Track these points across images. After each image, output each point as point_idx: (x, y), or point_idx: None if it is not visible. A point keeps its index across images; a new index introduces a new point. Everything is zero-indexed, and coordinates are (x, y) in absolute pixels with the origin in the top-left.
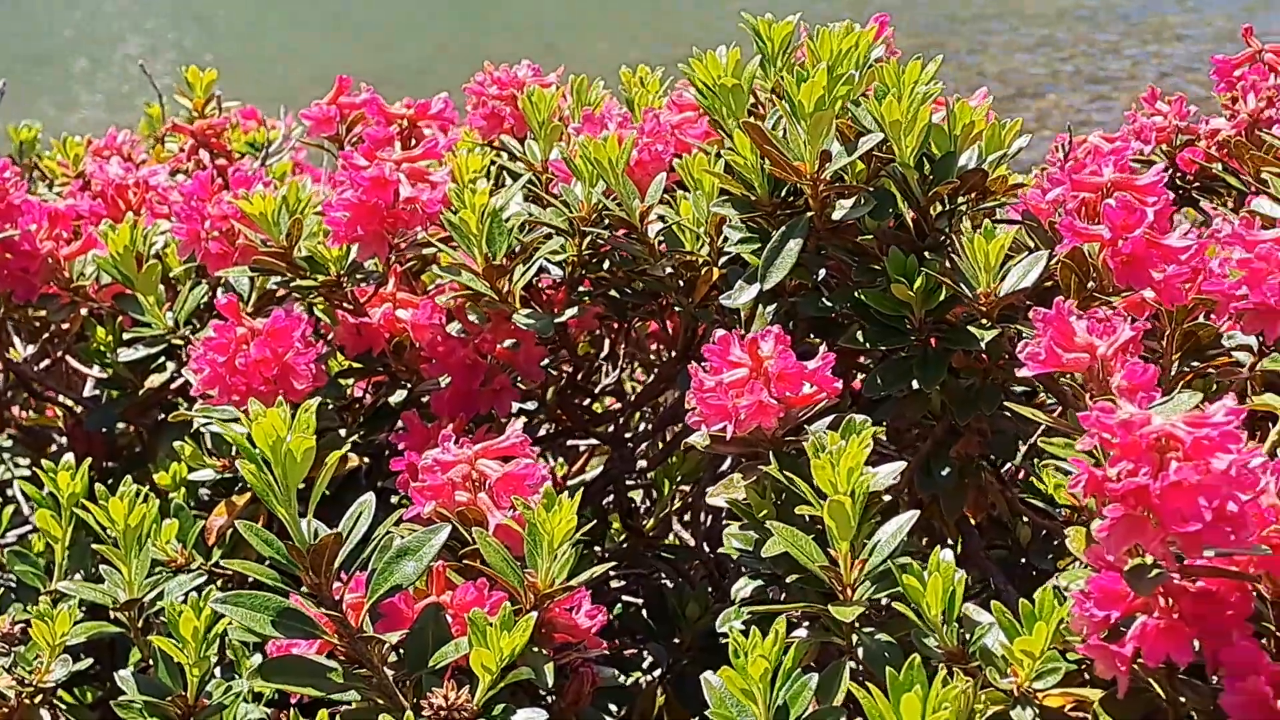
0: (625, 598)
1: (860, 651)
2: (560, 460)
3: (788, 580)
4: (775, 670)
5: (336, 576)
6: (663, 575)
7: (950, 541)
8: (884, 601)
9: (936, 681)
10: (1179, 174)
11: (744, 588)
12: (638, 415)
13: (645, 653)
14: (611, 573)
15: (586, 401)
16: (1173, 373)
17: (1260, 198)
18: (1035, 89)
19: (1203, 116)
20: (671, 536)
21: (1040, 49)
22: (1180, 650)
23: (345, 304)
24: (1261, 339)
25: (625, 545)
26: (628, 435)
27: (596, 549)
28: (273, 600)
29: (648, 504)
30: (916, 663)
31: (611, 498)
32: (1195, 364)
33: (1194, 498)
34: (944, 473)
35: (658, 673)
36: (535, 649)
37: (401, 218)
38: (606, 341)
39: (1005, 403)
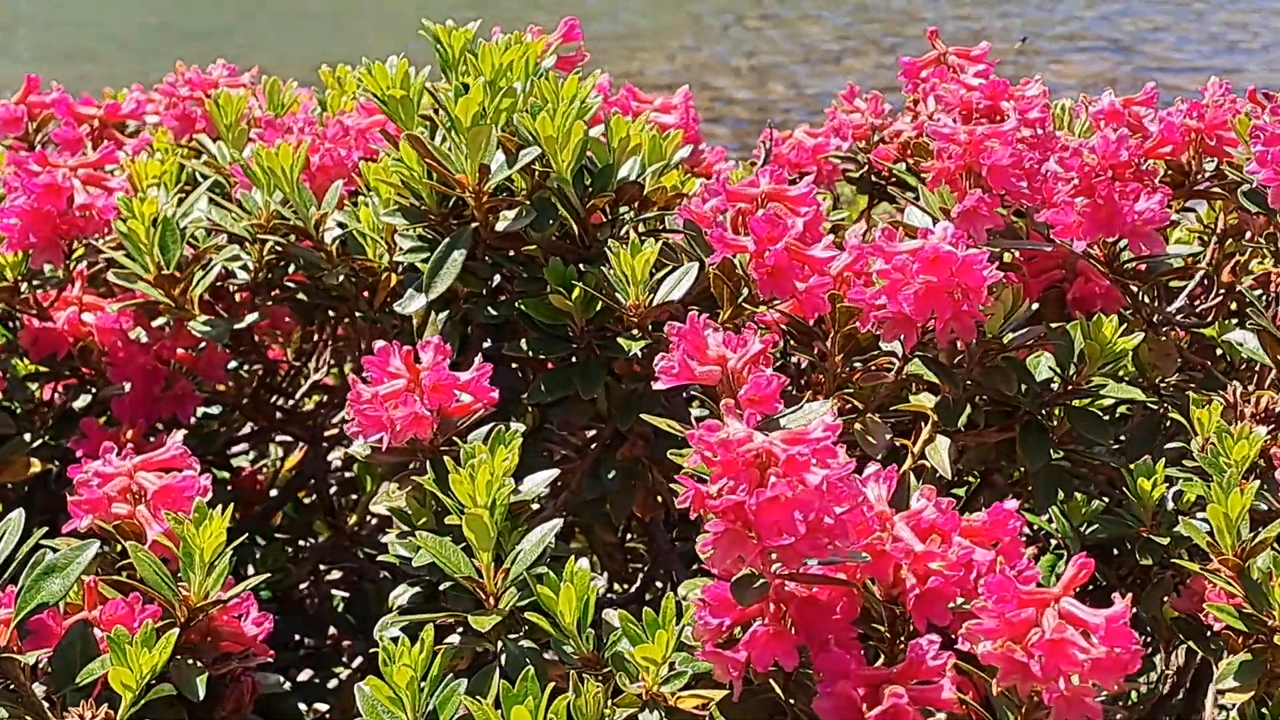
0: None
1: (504, 658)
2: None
3: (440, 588)
4: (424, 677)
5: None
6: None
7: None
8: None
9: (547, 690)
10: (873, 172)
11: (402, 595)
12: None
13: None
14: (324, 567)
15: (290, 402)
16: (838, 372)
17: (911, 208)
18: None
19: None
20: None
21: None
22: (786, 655)
23: (28, 308)
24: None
25: (330, 541)
26: (327, 434)
27: (302, 542)
28: None
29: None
30: (531, 675)
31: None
32: (857, 363)
33: (789, 512)
34: (610, 475)
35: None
36: (189, 661)
37: (76, 224)
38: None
39: (641, 414)
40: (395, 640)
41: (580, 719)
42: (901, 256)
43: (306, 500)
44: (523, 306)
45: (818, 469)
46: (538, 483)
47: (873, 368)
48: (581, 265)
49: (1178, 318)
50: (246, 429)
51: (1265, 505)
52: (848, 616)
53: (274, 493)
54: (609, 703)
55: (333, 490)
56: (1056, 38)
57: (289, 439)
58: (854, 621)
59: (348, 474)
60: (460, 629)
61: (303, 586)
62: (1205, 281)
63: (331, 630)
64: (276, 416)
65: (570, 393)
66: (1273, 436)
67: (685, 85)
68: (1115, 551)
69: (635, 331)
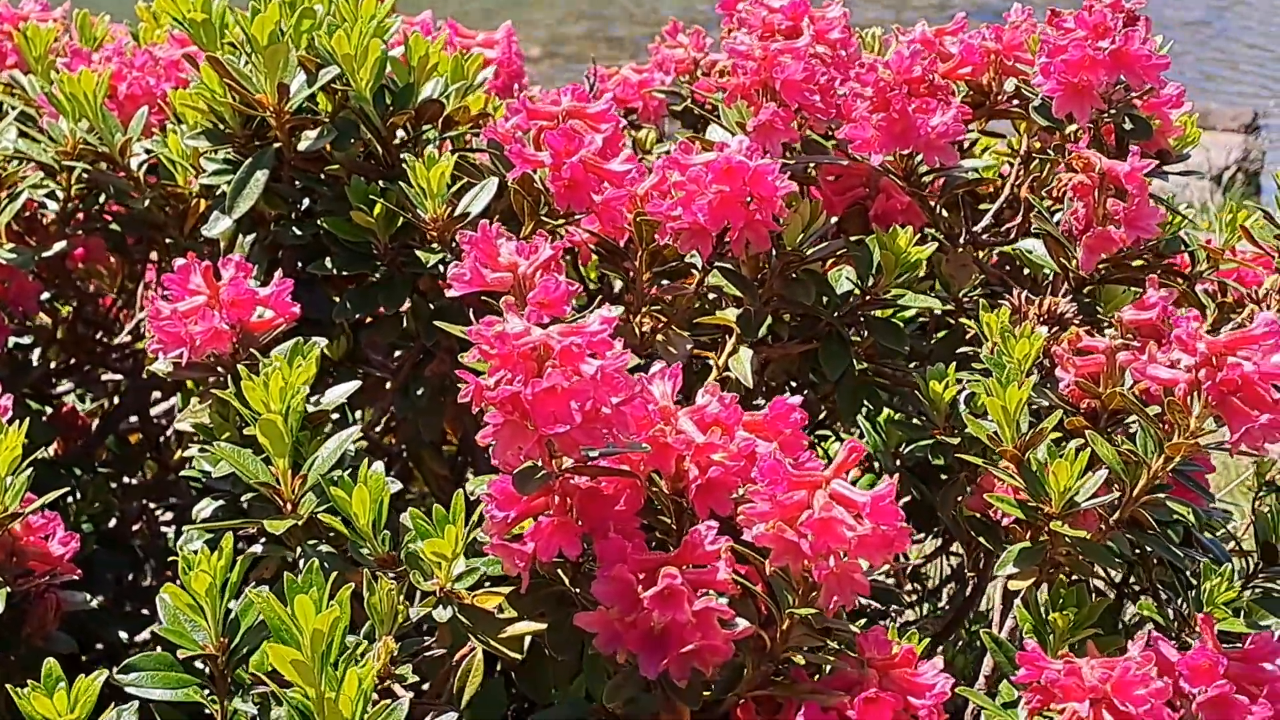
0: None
1: (302, 563)
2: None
3: (243, 501)
4: (224, 585)
5: None
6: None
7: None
8: None
9: (328, 586)
10: (696, 105)
11: (205, 508)
12: None
13: None
14: (155, 506)
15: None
16: (646, 290)
17: (713, 125)
18: None
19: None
20: None
21: None
22: (570, 545)
23: None
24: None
25: (156, 478)
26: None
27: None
28: None
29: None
30: (316, 567)
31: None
32: (666, 281)
33: (565, 402)
34: (419, 393)
35: None
36: None
37: None
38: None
39: (435, 322)
40: (196, 552)
41: (375, 615)
42: (696, 168)
43: (133, 439)
44: (327, 225)
45: (593, 360)
46: (338, 394)
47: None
48: (385, 184)
49: (983, 236)
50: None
51: (1048, 403)
52: (631, 508)
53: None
54: (403, 598)
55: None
56: None
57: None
58: (641, 514)
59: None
60: (263, 539)
61: (136, 527)
62: (1012, 202)
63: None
64: (97, 351)
65: (376, 310)
66: (1054, 336)
67: (508, 22)
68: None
69: (435, 245)
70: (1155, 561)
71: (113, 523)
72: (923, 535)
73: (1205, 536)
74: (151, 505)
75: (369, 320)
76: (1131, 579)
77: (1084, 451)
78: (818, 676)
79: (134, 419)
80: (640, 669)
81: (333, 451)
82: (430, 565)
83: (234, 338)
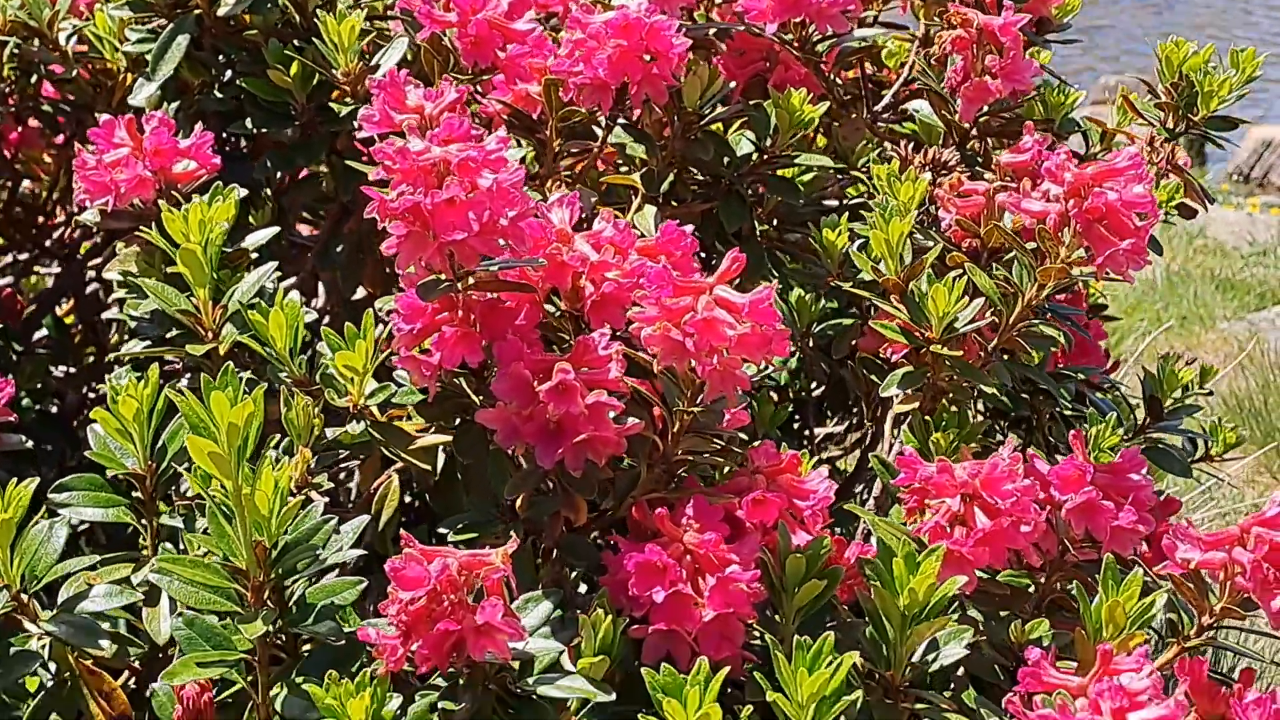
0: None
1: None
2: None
3: (168, 337)
4: (151, 412)
5: None
6: None
7: None
8: None
9: (244, 378)
10: None
11: (132, 346)
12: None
13: None
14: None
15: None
16: (557, 157)
17: None
18: None
19: None
20: None
21: None
22: (472, 353)
23: None
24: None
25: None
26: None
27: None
28: None
29: None
30: (231, 369)
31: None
32: (575, 151)
33: (464, 212)
34: (339, 249)
35: None
36: None
37: None
38: None
39: (349, 170)
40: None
41: (292, 430)
42: (596, 25)
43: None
44: (246, 85)
45: (489, 174)
46: (259, 238)
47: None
48: (301, 45)
49: (882, 115)
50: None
51: (932, 244)
52: (531, 321)
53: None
54: (319, 413)
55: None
56: None
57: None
58: (540, 329)
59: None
60: (187, 375)
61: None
62: (909, 83)
63: None
64: (33, 233)
65: (296, 169)
66: (936, 181)
67: None
68: None
69: (349, 99)
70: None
71: (54, 408)
72: (835, 417)
73: (1097, 396)
74: (90, 395)
75: (289, 182)
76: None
77: (961, 280)
78: (711, 485)
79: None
80: (538, 460)
81: (252, 284)
82: (344, 382)
83: (157, 185)
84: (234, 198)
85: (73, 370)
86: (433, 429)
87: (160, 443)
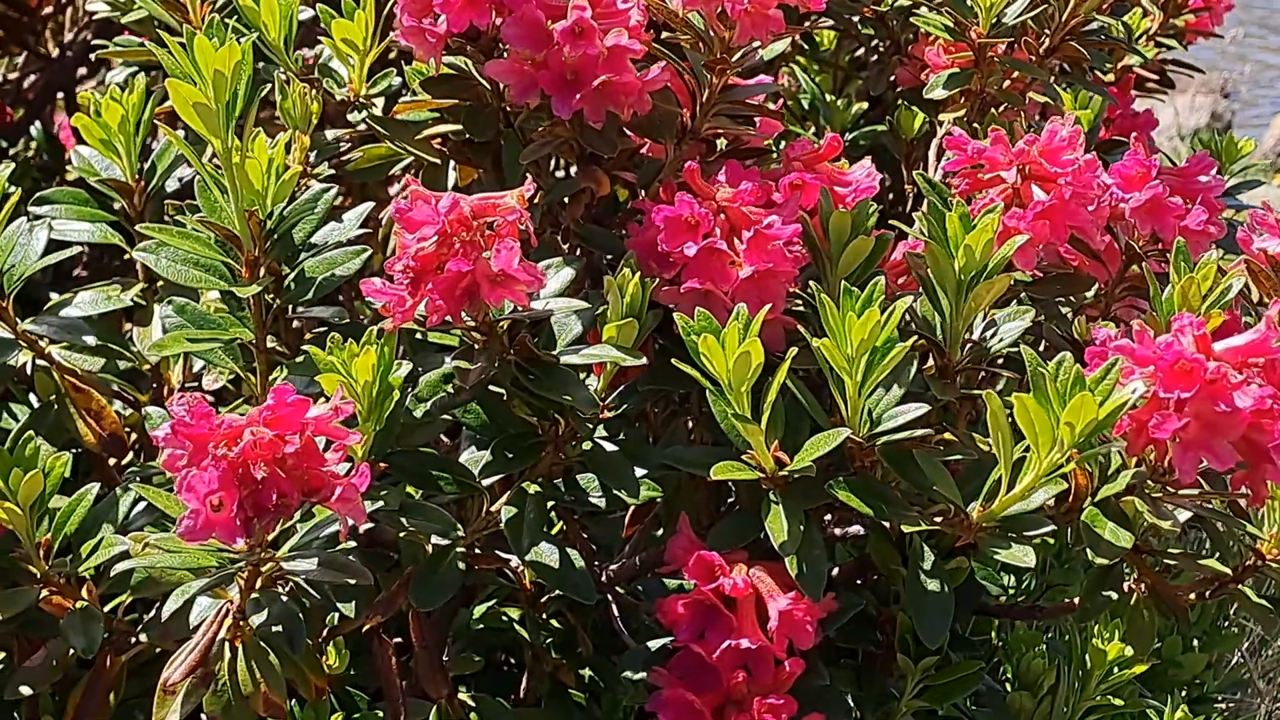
0: None
1: None
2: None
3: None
4: (139, 124)
5: None
6: None
7: None
8: None
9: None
10: None
11: (118, 73)
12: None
13: None
14: None
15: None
16: None
17: None
18: None
19: None
20: None
21: None
22: (480, 13)
23: None
24: None
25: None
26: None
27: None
28: None
29: None
30: (219, 28)
31: None
32: None
33: None
34: None
35: None
36: None
37: None
38: None
39: None
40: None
41: (289, 120)
42: None
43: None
44: None
45: None
46: None
47: None
48: None
49: None
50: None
51: None
52: None
53: None
54: (317, 97)
55: None
56: None
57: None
58: None
59: None
60: None
61: None
62: None
63: None
64: (23, 22)
65: None
66: None
67: None
68: None
69: None
70: None
71: None
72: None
73: None
74: None
75: None
76: None
77: None
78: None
79: None
80: (554, 109)
81: None
82: (343, 60)
83: None
84: None
85: None
86: (442, 118)
87: (150, 162)
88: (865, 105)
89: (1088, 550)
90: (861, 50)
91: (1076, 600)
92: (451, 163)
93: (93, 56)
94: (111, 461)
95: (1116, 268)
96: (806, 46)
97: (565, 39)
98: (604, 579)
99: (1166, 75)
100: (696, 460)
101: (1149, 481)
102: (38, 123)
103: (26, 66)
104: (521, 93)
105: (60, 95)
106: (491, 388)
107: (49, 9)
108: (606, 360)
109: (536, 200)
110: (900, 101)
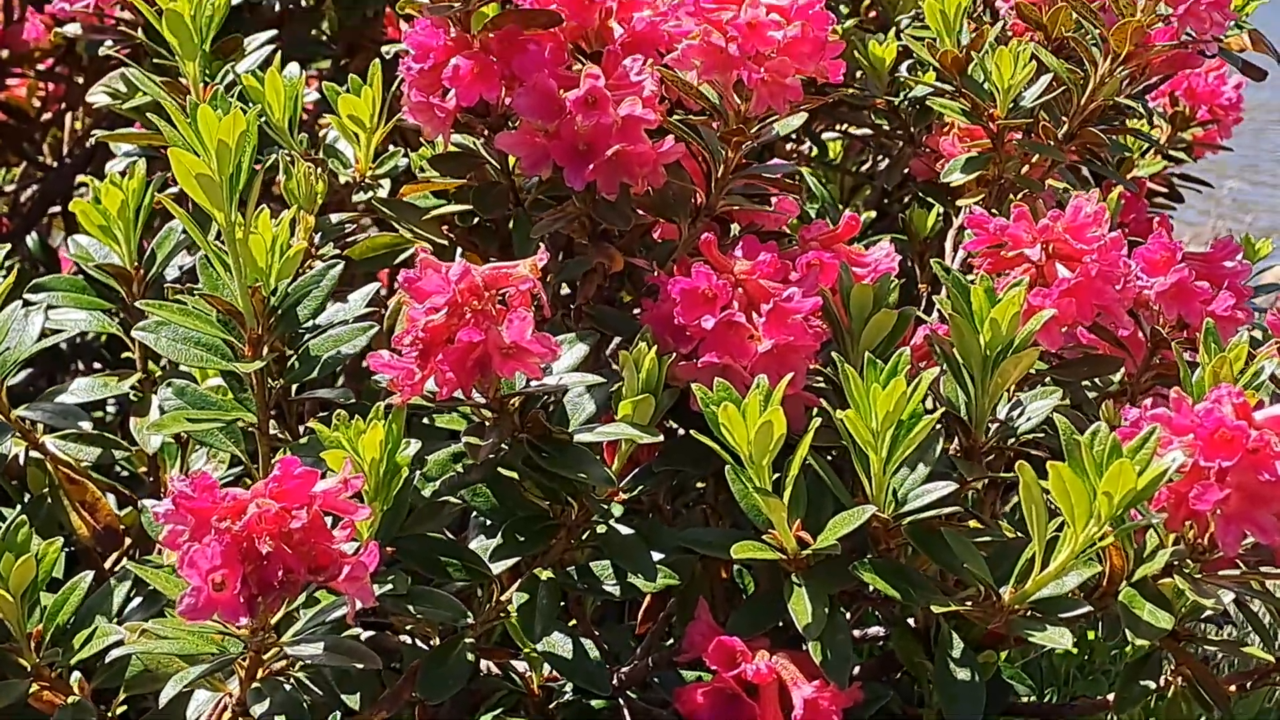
0: None
1: None
2: None
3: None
4: (138, 210)
5: None
6: None
7: None
8: None
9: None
10: None
11: (118, 163)
12: None
13: None
14: None
15: None
16: None
17: None
18: None
19: None
20: None
21: None
22: (490, 88)
23: None
24: None
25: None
26: None
27: None
28: None
29: None
30: (224, 99)
31: None
32: None
33: None
34: None
35: None
36: None
37: None
38: None
39: None
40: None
41: (293, 200)
42: None
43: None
44: None
45: None
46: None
47: None
48: None
49: None
50: None
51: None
52: (555, 59)
53: None
54: (322, 175)
55: None
56: None
57: None
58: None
59: None
60: None
61: None
62: None
63: None
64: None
65: None
66: None
67: None
68: None
69: None
70: None
71: None
72: None
73: None
74: None
75: None
76: None
77: (1027, 48)
78: None
79: None
80: (567, 180)
81: (252, 57)
82: (349, 139)
83: None
84: None
85: None
86: (450, 201)
87: (149, 251)
88: (874, 214)
89: (1126, 631)
90: (869, 163)
91: (1110, 697)
92: (459, 250)
93: (90, 142)
94: (107, 565)
95: (1141, 355)
96: (815, 151)
97: (578, 108)
98: (615, 682)
99: (1175, 189)
100: (716, 542)
101: (1188, 560)
102: (34, 233)
103: (25, 178)
104: (533, 165)
105: (57, 209)
106: (502, 471)
107: (48, 115)
108: (622, 438)
109: (548, 280)
110: (910, 200)
